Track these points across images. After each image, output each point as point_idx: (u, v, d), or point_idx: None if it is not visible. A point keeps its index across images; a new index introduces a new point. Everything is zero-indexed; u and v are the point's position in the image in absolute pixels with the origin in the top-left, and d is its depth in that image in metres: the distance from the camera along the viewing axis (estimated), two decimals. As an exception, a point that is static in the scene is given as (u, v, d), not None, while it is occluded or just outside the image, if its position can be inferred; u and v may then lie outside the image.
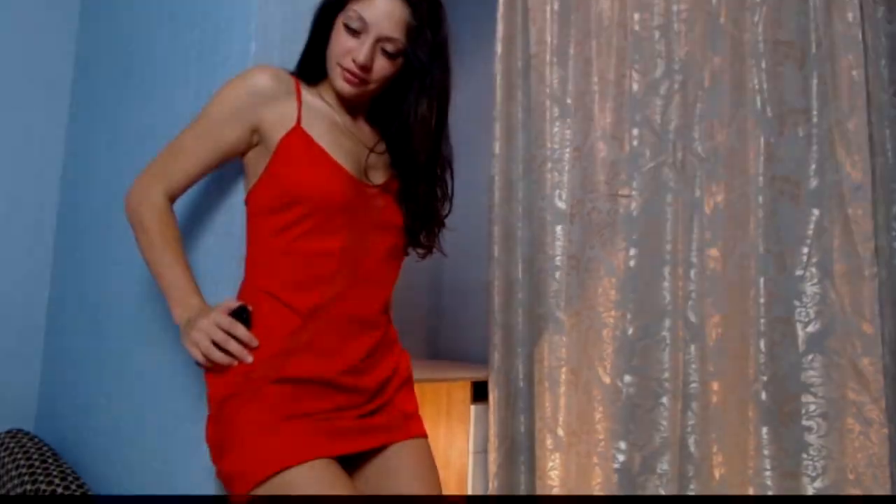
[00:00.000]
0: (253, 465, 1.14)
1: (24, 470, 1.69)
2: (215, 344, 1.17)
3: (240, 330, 1.17)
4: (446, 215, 1.40)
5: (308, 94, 1.30)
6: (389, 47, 1.24)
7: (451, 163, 1.38)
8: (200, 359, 1.18)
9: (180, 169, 1.28)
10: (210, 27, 1.57)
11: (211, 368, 1.21)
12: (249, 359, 1.18)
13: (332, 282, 1.24)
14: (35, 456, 1.76)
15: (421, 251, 1.40)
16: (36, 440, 1.92)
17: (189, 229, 1.47)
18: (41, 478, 1.63)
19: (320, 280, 1.24)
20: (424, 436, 1.37)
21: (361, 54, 1.22)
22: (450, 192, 1.39)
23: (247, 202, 1.32)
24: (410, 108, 1.29)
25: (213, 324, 1.16)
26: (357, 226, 1.27)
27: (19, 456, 1.77)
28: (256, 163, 1.28)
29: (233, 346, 1.17)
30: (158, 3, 1.82)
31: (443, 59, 1.29)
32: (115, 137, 1.94)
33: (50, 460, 1.75)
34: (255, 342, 1.18)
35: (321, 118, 1.29)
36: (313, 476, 1.14)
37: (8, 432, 1.98)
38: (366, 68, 1.24)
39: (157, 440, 1.54)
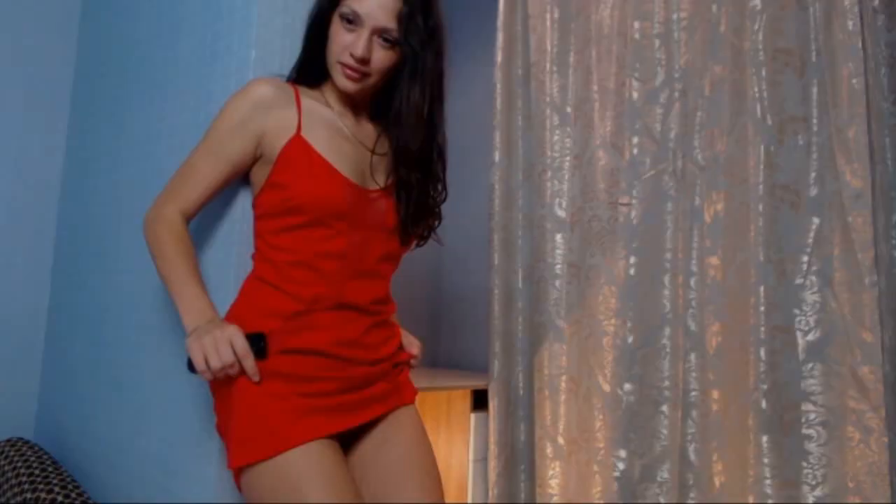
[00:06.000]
0: (253, 443, 1.16)
1: (24, 478, 1.69)
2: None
3: (248, 363, 1.15)
4: (443, 201, 1.41)
5: (308, 100, 1.32)
6: (386, 37, 1.26)
7: (444, 152, 1.39)
8: (201, 365, 1.12)
9: (193, 188, 1.29)
10: (210, 34, 1.57)
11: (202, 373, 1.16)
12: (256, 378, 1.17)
13: (333, 279, 1.27)
14: (35, 464, 1.76)
15: (418, 241, 1.41)
16: (36, 448, 1.91)
17: (198, 234, 1.46)
18: (41, 486, 1.63)
19: (322, 278, 1.26)
20: (413, 401, 1.42)
21: (359, 48, 1.24)
22: (442, 181, 1.40)
23: (253, 207, 1.35)
24: (402, 95, 1.30)
25: (227, 341, 1.13)
26: (358, 228, 1.29)
27: (19, 464, 1.77)
28: (259, 173, 1.31)
29: (235, 370, 1.15)
30: (159, 10, 1.83)
31: (435, 46, 1.30)
32: (115, 146, 1.95)
33: (50, 468, 1.74)
34: (257, 378, 1.17)
35: (322, 124, 1.30)
36: (310, 460, 1.16)
37: (8, 441, 1.97)
38: (364, 61, 1.26)
39: (156, 448, 1.54)
